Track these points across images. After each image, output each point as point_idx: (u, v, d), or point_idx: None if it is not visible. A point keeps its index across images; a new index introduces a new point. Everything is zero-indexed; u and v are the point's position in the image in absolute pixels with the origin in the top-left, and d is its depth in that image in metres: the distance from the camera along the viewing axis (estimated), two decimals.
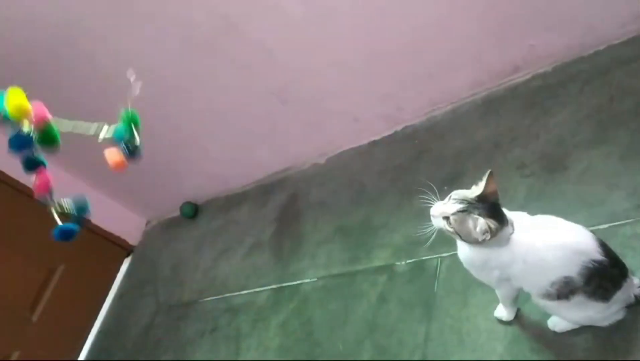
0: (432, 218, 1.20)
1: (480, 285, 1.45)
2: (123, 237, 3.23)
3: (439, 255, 1.72)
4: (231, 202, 2.96)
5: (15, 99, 1.11)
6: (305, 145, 2.61)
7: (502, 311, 1.42)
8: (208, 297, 2.49)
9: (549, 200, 1.62)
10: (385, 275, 1.86)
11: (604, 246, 1.14)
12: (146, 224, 3.40)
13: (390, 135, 2.39)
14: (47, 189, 1.21)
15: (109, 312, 2.96)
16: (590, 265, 1.11)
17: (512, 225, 1.18)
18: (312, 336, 1.91)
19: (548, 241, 1.16)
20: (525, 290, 1.27)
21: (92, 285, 2.99)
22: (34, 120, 1.14)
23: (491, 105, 2.09)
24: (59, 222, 1.20)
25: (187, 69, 2.32)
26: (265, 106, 2.41)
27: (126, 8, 2.10)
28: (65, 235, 1.21)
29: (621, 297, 1.16)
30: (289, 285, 2.18)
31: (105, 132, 1.21)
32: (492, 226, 1.12)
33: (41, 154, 1.19)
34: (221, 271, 2.57)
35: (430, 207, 1.21)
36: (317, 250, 2.20)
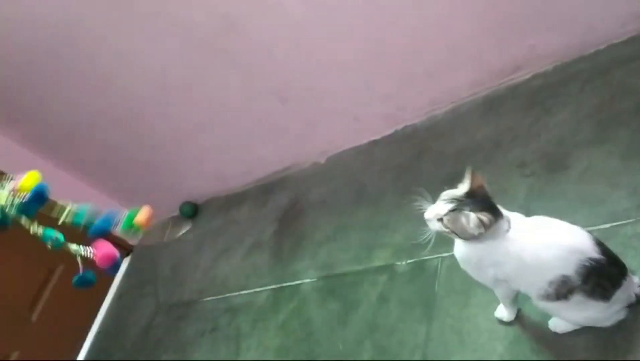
0: (427, 222, 1.21)
1: (481, 285, 1.44)
2: (122, 236, 3.23)
3: (440, 255, 1.72)
4: (231, 201, 2.96)
5: None
6: (305, 145, 2.61)
7: (503, 312, 1.42)
8: (208, 297, 2.49)
9: (549, 199, 1.62)
10: (385, 275, 1.86)
11: (600, 245, 1.14)
12: None
13: (390, 135, 2.39)
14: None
15: (109, 312, 2.96)
16: (587, 264, 1.11)
17: (509, 222, 1.19)
18: (312, 336, 1.91)
19: (543, 240, 1.16)
20: (523, 291, 1.27)
21: None
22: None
23: (492, 105, 2.09)
24: (81, 270, 1.27)
25: (187, 68, 2.32)
26: (266, 105, 2.41)
27: (126, 8, 2.10)
28: (85, 284, 1.30)
29: (621, 296, 1.16)
30: (289, 285, 2.17)
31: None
32: (484, 219, 1.13)
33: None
34: (221, 271, 2.57)
35: (424, 211, 1.22)
36: (318, 250, 2.20)
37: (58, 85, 2.52)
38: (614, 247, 1.19)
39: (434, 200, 1.22)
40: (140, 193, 3.19)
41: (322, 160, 2.62)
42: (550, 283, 1.14)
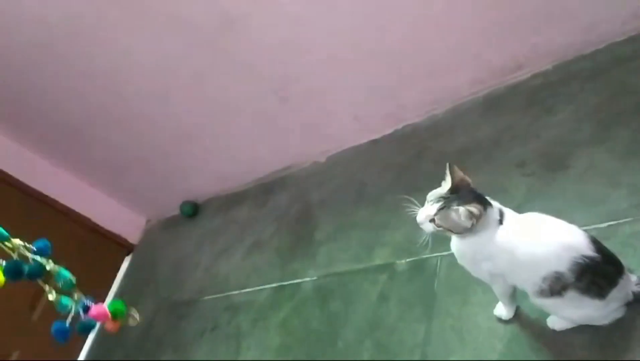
0: (420, 226, 1.23)
1: (480, 283, 1.45)
2: (123, 235, 3.24)
3: (439, 254, 1.72)
4: (231, 200, 2.96)
5: None
6: (305, 144, 2.61)
7: (502, 310, 1.43)
8: (208, 296, 2.50)
9: (549, 198, 1.62)
10: (385, 274, 1.86)
11: (596, 243, 1.14)
12: (146, 223, 3.41)
13: (390, 134, 2.39)
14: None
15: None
16: (581, 261, 1.11)
17: (501, 212, 1.21)
18: (313, 335, 1.92)
19: (535, 236, 1.17)
20: (519, 287, 1.28)
21: (93, 283, 2.97)
22: None
23: (492, 104, 2.09)
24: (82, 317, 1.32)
25: (188, 68, 2.32)
26: (266, 104, 2.41)
27: (127, 8, 2.11)
28: (60, 335, 1.34)
29: (618, 295, 1.16)
30: (289, 284, 2.18)
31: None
32: (473, 210, 1.15)
33: None
34: (221, 270, 2.57)
35: (415, 215, 1.24)
36: (318, 249, 2.20)
37: (58, 85, 2.52)
38: (612, 245, 1.19)
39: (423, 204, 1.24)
40: (141, 193, 3.20)
41: (323, 160, 2.62)
42: (544, 279, 1.15)
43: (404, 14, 1.96)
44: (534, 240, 1.17)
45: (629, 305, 1.20)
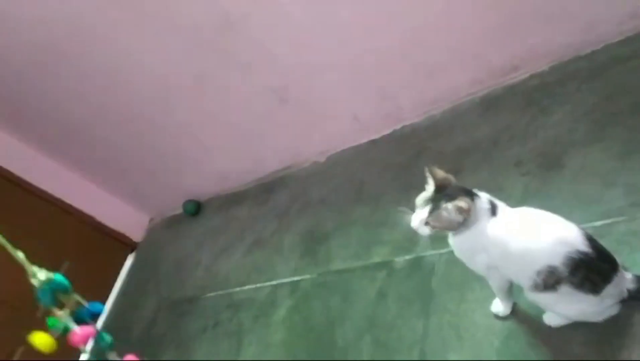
0: (417, 231, 1.26)
1: (478, 280, 1.47)
2: (127, 233, 3.26)
3: (437, 252, 1.74)
4: (233, 199, 2.98)
5: None
6: (305, 144, 2.63)
7: (499, 306, 1.44)
8: (210, 293, 2.51)
9: (545, 197, 1.64)
10: (384, 271, 1.88)
11: (591, 240, 1.16)
12: (149, 221, 3.43)
13: (389, 134, 2.41)
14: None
15: (112, 309, 2.98)
16: (575, 256, 1.13)
17: (492, 203, 1.23)
18: (313, 331, 1.93)
19: (531, 230, 1.19)
20: (514, 281, 1.30)
21: (96, 281, 3.01)
22: None
23: (490, 104, 2.11)
24: None
25: (189, 68, 2.34)
26: (266, 105, 2.43)
27: (127, 7, 2.12)
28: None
29: (613, 292, 1.17)
30: (289, 281, 2.20)
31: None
32: (462, 204, 1.18)
33: None
34: (223, 267, 2.59)
35: (409, 221, 1.27)
36: (318, 247, 2.22)
37: (60, 84, 2.54)
38: (608, 244, 1.21)
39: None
40: (144, 191, 3.22)
41: (322, 159, 2.64)
42: (538, 273, 1.17)
43: (403, 15, 1.98)
44: (529, 233, 1.19)
45: (623, 302, 1.22)
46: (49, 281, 1.34)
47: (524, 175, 1.75)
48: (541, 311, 1.35)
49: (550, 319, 1.33)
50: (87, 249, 2.98)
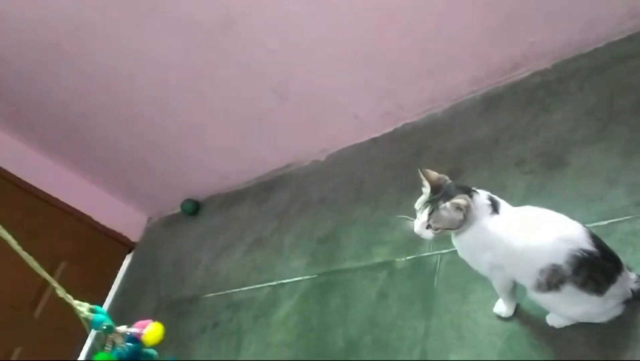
0: (420, 236, 1.25)
1: (480, 281, 1.46)
2: (125, 233, 3.25)
3: (439, 252, 1.74)
4: (232, 198, 2.97)
5: None
6: (305, 142, 2.62)
7: (502, 307, 1.44)
8: (209, 293, 2.51)
9: (548, 196, 1.63)
10: (385, 272, 1.87)
11: (595, 239, 1.15)
12: (147, 221, 3.42)
13: (390, 133, 2.40)
14: None
15: (111, 309, 2.97)
16: (579, 254, 1.12)
17: (492, 199, 1.23)
18: (313, 332, 1.93)
19: (534, 227, 1.18)
20: (517, 280, 1.29)
21: (94, 281, 3.00)
22: None
23: (491, 102, 2.10)
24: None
25: (188, 66, 2.33)
26: (266, 103, 2.42)
27: (127, 7, 2.11)
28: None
29: (617, 292, 1.16)
30: (289, 281, 2.19)
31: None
32: (460, 201, 1.17)
33: None
34: (222, 267, 2.58)
35: (412, 227, 1.27)
36: (318, 247, 2.21)
37: (59, 84, 2.53)
38: (611, 243, 1.20)
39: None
40: (142, 190, 3.21)
41: (322, 158, 2.63)
42: (541, 271, 1.16)
43: (404, 13, 1.97)
44: (532, 231, 1.18)
45: (627, 302, 1.21)
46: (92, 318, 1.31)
47: (525, 174, 1.74)
48: (544, 312, 1.34)
49: (553, 320, 1.32)
50: (85, 249, 2.96)
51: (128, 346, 1.29)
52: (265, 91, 2.36)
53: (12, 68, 2.45)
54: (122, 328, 1.31)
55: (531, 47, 1.98)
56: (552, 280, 1.16)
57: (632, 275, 1.21)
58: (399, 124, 2.38)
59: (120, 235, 3.22)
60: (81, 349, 2.86)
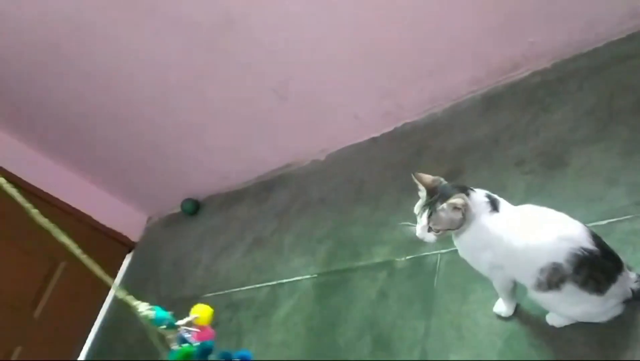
0: (423, 240, 1.26)
1: (480, 280, 1.46)
2: (124, 233, 3.25)
3: (439, 252, 1.73)
4: (232, 198, 2.97)
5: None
6: (305, 142, 2.62)
7: (502, 307, 1.44)
8: (209, 293, 2.50)
9: (548, 196, 1.63)
10: (385, 271, 1.87)
11: (596, 238, 1.15)
12: (147, 220, 3.42)
13: (390, 132, 2.40)
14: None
15: (111, 308, 2.97)
16: (579, 253, 1.12)
17: (491, 197, 1.23)
18: (313, 331, 1.93)
19: (535, 226, 1.18)
20: (518, 280, 1.29)
21: (94, 281, 2.99)
22: None
23: (491, 102, 2.10)
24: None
25: (188, 66, 2.33)
26: (266, 102, 2.42)
27: (127, 7, 2.11)
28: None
29: (617, 291, 1.16)
30: (289, 281, 2.19)
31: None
32: (456, 201, 1.18)
33: None
34: (222, 267, 2.58)
35: (414, 233, 1.27)
36: (318, 246, 2.21)
37: (59, 84, 2.53)
38: (611, 243, 1.20)
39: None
40: (142, 191, 3.21)
41: (322, 158, 2.63)
42: (542, 270, 1.16)
43: (404, 13, 1.97)
44: (533, 230, 1.18)
45: (627, 302, 1.21)
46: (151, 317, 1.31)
47: (525, 174, 1.74)
48: (544, 312, 1.34)
49: (553, 319, 1.32)
50: (85, 249, 2.95)
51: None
52: (265, 91, 2.36)
53: (12, 68, 2.45)
54: (182, 322, 1.35)
55: (531, 47, 1.98)
56: (553, 279, 1.16)
57: (632, 275, 1.21)
58: (399, 124, 2.38)
59: (120, 234, 3.22)
60: (81, 349, 2.86)
